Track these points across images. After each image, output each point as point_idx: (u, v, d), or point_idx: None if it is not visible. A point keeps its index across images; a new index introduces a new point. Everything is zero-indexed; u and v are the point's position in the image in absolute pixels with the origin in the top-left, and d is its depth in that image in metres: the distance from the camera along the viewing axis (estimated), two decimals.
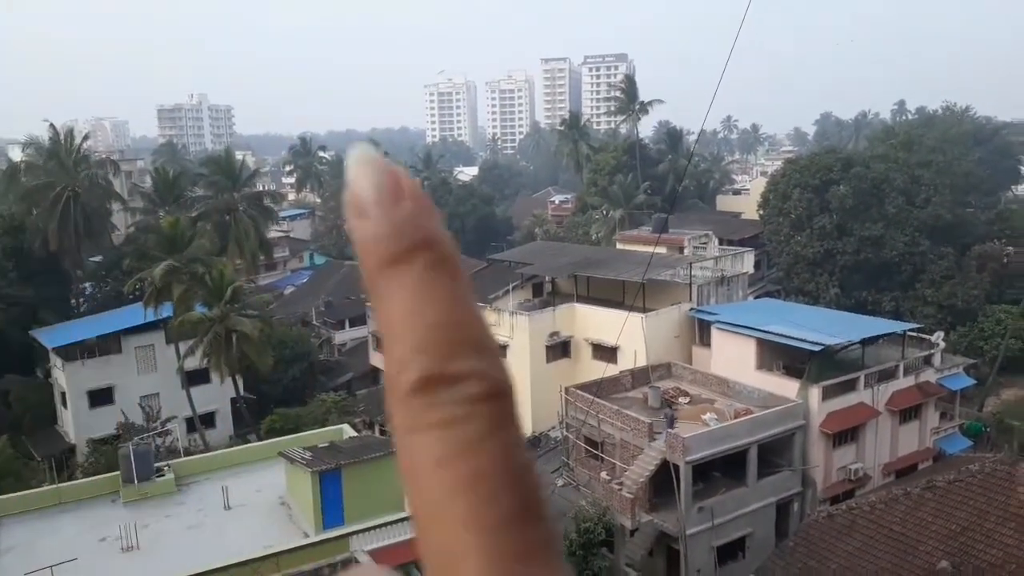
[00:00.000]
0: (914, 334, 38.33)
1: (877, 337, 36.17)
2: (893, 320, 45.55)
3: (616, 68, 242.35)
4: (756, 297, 51.85)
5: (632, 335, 38.47)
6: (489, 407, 0.64)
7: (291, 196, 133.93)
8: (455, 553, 0.60)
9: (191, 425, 44.76)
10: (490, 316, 42.90)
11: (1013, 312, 49.42)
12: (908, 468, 35.35)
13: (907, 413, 35.33)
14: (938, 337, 38.43)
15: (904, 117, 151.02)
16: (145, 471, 27.56)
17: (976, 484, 23.56)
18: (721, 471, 30.99)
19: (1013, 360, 49.46)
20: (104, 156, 75.76)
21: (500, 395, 0.65)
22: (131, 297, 48.96)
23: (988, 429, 42.22)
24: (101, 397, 45.18)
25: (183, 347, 42.76)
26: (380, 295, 0.67)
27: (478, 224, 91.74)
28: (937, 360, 37.09)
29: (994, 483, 23.22)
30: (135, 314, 45.35)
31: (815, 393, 32.29)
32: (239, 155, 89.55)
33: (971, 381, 39.64)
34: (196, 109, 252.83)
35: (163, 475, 28.26)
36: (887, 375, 34.84)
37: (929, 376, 36.27)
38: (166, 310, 43.50)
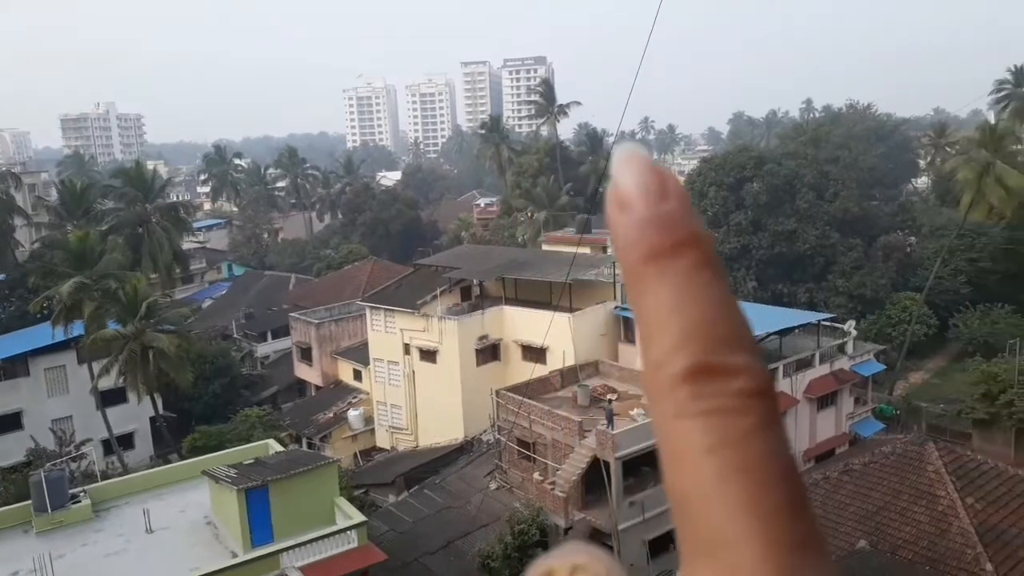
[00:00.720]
0: (828, 323, 39.90)
1: (793, 328, 37.52)
2: (808, 311, 47.37)
3: (535, 71, 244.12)
4: None
5: (560, 335, 38.82)
6: (759, 403, 0.65)
7: (207, 206, 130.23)
8: (731, 537, 0.60)
9: (108, 447, 43.04)
10: (419, 322, 42.63)
11: (917, 299, 52.01)
12: (827, 453, 36.77)
13: (824, 400, 36.79)
14: (850, 326, 40.13)
15: (812, 115, 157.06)
16: (59, 498, 26.28)
17: (889, 465, 24.67)
18: (651, 465, 31.52)
19: (918, 345, 52.12)
20: (4, 169, 72.19)
21: (768, 393, 0.66)
22: (38, 316, 46.70)
23: (899, 412, 44.33)
24: (8, 423, 42.98)
25: (97, 366, 41.01)
26: (643, 289, 0.68)
27: (403, 229, 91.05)
28: (850, 348, 38.73)
29: (906, 463, 24.38)
30: (43, 334, 43.28)
31: None
32: (151, 165, 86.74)
33: (881, 367, 41.56)
34: (103, 118, 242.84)
35: (79, 501, 27.00)
36: (804, 364, 36.19)
37: (843, 363, 37.84)
38: (77, 328, 41.67)
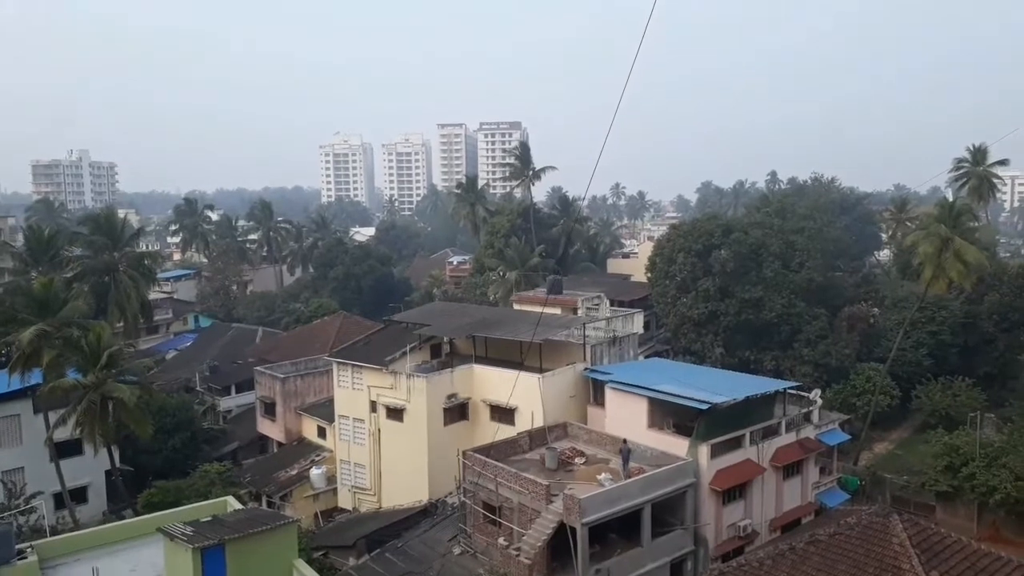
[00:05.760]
0: (793, 392, 40.22)
1: (760, 395, 37.69)
2: (774, 378, 47.75)
3: (510, 135, 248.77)
4: (646, 356, 53.31)
5: (529, 395, 38.66)
6: None
7: (176, 256, 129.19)
8: None
9: (60, 501, 41.56)
10: (387, 379, 42.23)
11: (880, 370, 52.74)
12: (793, 523, 36.65)
13: (790, 469, 36.79)
14: (815, 394, 40.44)
15: (777, 186, 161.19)
16: (4, 554, 25.16)
17: (855, 536, 24.60)
18: (617, 532, 31.21)
19: (882, 415, 52.68)
20: None
21: None
22: None
23: (863, 482, 44.48)
24: None
25: (53, 416, 39.88)
26: None
27: (376, 284, 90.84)
28: (815, 417, 38.98)
29: (871, 535, 24.35)
30: None
31: (704, 451, 33.22)
32: (121, 213, 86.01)
33: (846, 436, 41.79)
34: (76, 166, 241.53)
35: (25, 558, 25.84)
36: (770, 432, 36.29)
37: (808, 432, 38.00)
38: (35, 377, 40.61)
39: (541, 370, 39.91)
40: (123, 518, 35.59)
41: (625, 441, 33.54)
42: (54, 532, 33.31)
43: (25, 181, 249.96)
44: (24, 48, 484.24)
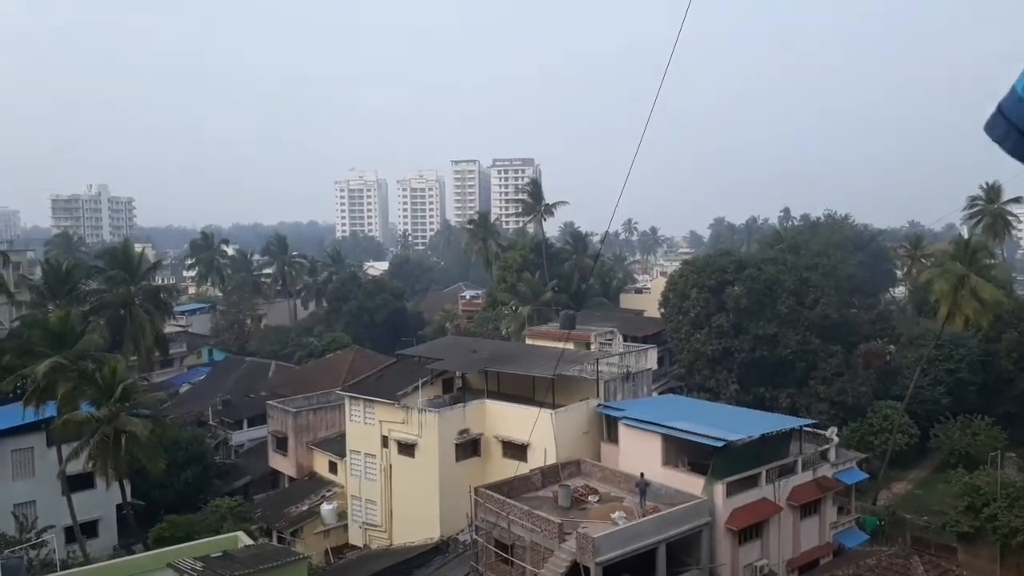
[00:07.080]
0: (810, 429, 39.76)
1: (776, 433, 37.26)
2: (790, 415, 47.25)
3: (523, 171, 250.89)
4: (660, 393, 52.95)
5: (542, 432, 38.41)
6: None
7: (192, 290, 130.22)
8: None
9: (71, 535, 41.40)
10: (398, 413, 42.09)
11: (898, 408, 52.11)
12: (811, 563, 35.96)
13: (807, 508, 36.21)
14: (832, 432, 39.96)
15: (790, 223, 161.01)
16: None
17: None
18: (631, 572, 30.71)
19: (901, 454, 51.90)
20: None
21: None
22: (11, 396, 45.75)
23: (883, 522, 43.69)
24: None
25: (66, 449, 39.90)
26: None
27: (388, 318, 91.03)
28: (832, 455, 38.46)
29: None
30: (13, 414, 42.28)
31: (719, 490, 32.79)
32: (138, 247, 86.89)
33: (864, 475, 41.15)
34: (95, 200, 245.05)
35: None
36: (787, 470, 35.80)
37: (826, 471, 37.47)
38: (49, 410, 40.76)
39: (554, 406, 39.69)
40: (134, 553, 35.40)
41: (643, 475, 33.18)
42: (65, 566, 33.20)
43: (45, 215, 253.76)
44: (54, 84, 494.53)
